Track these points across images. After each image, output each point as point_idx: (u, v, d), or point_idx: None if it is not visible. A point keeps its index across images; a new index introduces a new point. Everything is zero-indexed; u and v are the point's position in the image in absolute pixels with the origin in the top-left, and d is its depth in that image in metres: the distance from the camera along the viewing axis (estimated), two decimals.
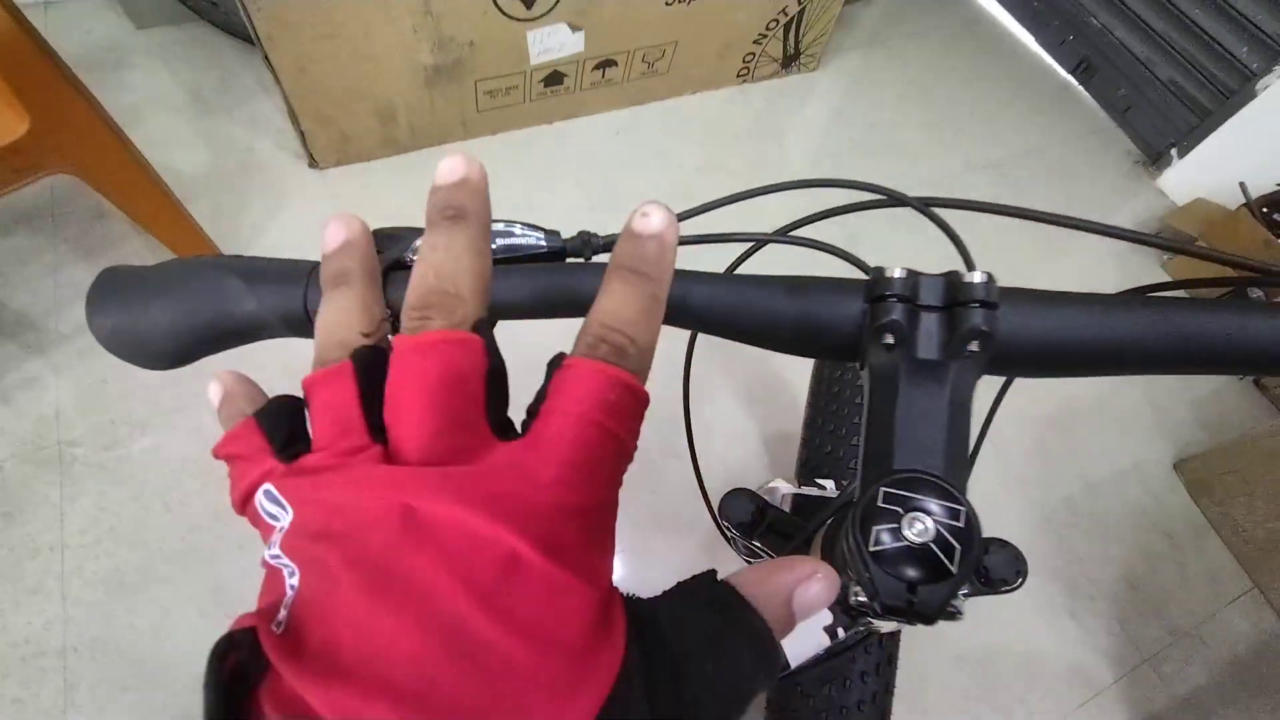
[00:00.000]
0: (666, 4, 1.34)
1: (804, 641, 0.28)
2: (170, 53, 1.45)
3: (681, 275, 0.25)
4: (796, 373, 1.21)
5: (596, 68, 1.41)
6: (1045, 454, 1.25)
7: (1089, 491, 1.23)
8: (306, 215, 1.29)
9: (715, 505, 0.46)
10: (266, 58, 1.11)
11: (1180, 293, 0.27)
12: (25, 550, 0.95)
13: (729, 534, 0.41)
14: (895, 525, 0.19)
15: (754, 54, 1.59)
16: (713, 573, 0.18)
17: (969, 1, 2.03)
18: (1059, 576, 1.13)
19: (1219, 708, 1.05)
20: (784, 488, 0.46)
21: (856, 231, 1.42)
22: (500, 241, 0.26)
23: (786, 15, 1.52)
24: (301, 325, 0.25)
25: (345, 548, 0.15)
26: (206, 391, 0.22)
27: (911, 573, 0.19)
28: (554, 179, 1.43)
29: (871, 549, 0.19)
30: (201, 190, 1.27)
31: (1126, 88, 1.76)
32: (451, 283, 0.19)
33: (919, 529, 0.19)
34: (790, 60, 1.66)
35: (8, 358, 1.07)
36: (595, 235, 0.27)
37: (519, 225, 0.26)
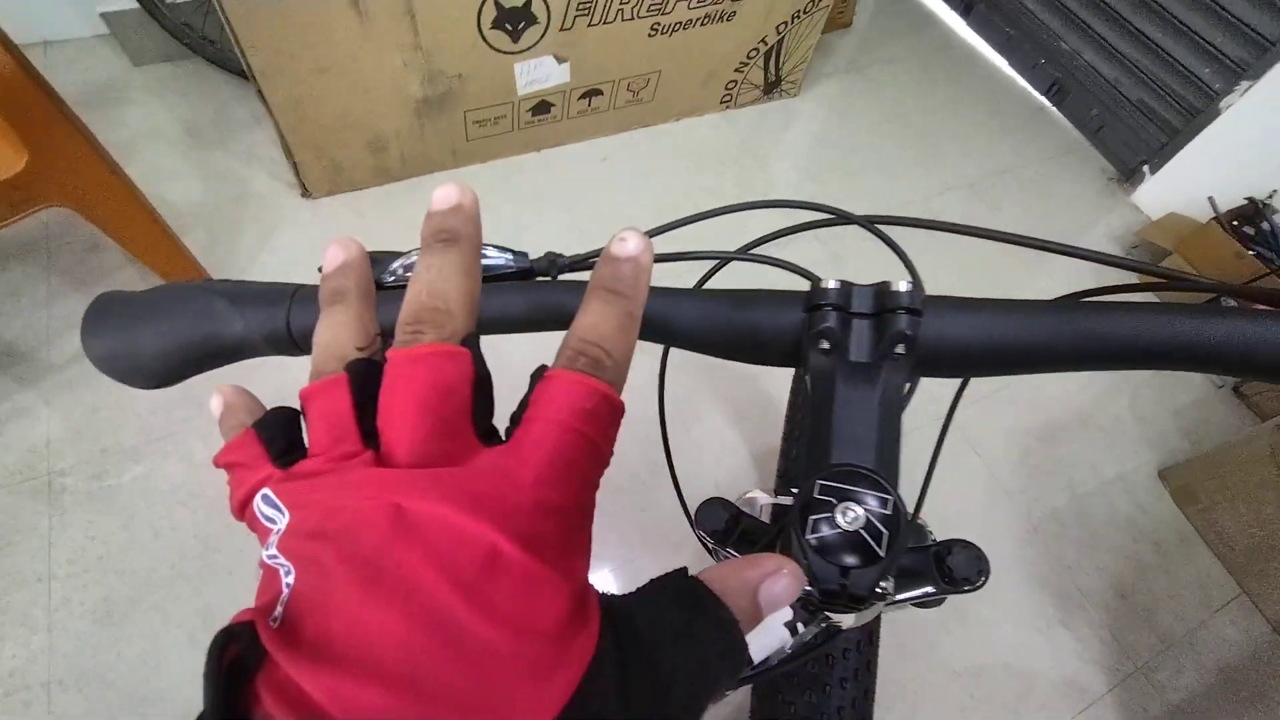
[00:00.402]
0: (650, 35, 1.39)
1: (766, 636, 0.29)
2: (167, 88, 1.49)
3: None
4: (780, 389, 1.23)
5: (583, 97, 1.45)
6: (1032, 466, 1.26)
7: (1076, 502, 1.24)
8: (299, 243, 1.31)
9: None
10: (260, 92, 1.14)
11: (1127, 297, 0.29)
12: (11, 581, 0.94)
13: (705, 543, 0.42)
14: (830, 514, 0.21)
15: (736, 81, 1.63)
16: (683, 570, 0.19)
17: (943, 28, 2.10)
18: (1049, 587, 1.14)
19: (1212, 715, 1.05)
20: (762, 498, 0.47)
21: (838, 251, 1.46)
22: None
23: (766, 44, 1.57)
24: (285, 344, 0.26)
25: (339, 545, 0.16)
26: (206, 408, 0.23)
27: (844, 558, 0.20)
28: (542, 204, 1.46)
29: (808, 536, 0.21)
30: (196, 221, 1.29)
31: (1098, 108, 1.81)
32: (443, 300, 0.20)
33: (850, 517, 0.20)
34: (772, 87, 1.71)
35: None
36: (561, 255, 0.29)
37: (490, 247, 0.28)
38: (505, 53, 1.27)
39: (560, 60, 1.34)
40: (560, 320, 0.27)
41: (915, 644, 1.05)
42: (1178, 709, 1.05)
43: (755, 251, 0.33)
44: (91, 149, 0.96)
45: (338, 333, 0.21)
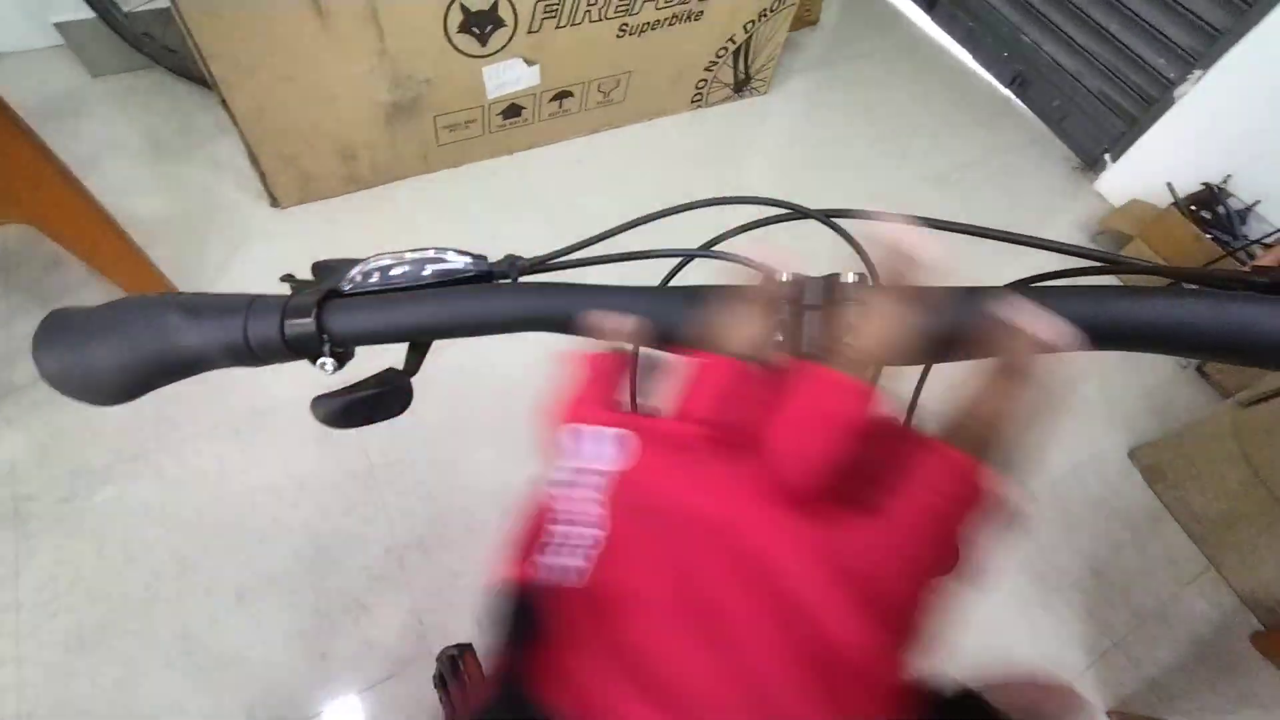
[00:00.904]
0: (618, 36, 1.39)
1: None
2: (128, 100, 1.46)
3: (586, 291, 0.27)
4: None
5: (553, 99, 1.45)
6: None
7: (1050, 485, 1.27)
8: (270, 255, 1.29)
9: None
10: (224, 101, 1.12)
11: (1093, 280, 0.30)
12: None
13: None
14: None
15: (706, 80, 1.64)
16: (975, 695, 0.18)
17: (909, 24, 2.14)
18: (1027, 570, 1.16)
19: (1187, 685, 1.08)
20: None
21: (815, 247, 1.47)
22: (432, 268, 0.28)
23: (734, 43, 1.58)
24: (244, 355, 0.26)
25: (681, 548, 0.15)
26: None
27: None
28: (518, 208, 1.46)
29: None
30: (162, 235, 1.26)
31: (1060, 99, 1.86)
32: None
33: None
34: (741, 85, 1.73)
35: None
36: (520, 258, 0.29)
37: (450, 251, 0.28)
38: (473, 56, 1.26)
39: (529, 63, 1.33)
40: (518, 324, 0.27)
41: None
42: (1154, 682, 1.08)
43: (718, 248, 0.33)
44: (48, 163, 0.93)
45: (758, 326, 0.21)
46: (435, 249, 0.28)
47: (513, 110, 1.42)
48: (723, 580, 0.14)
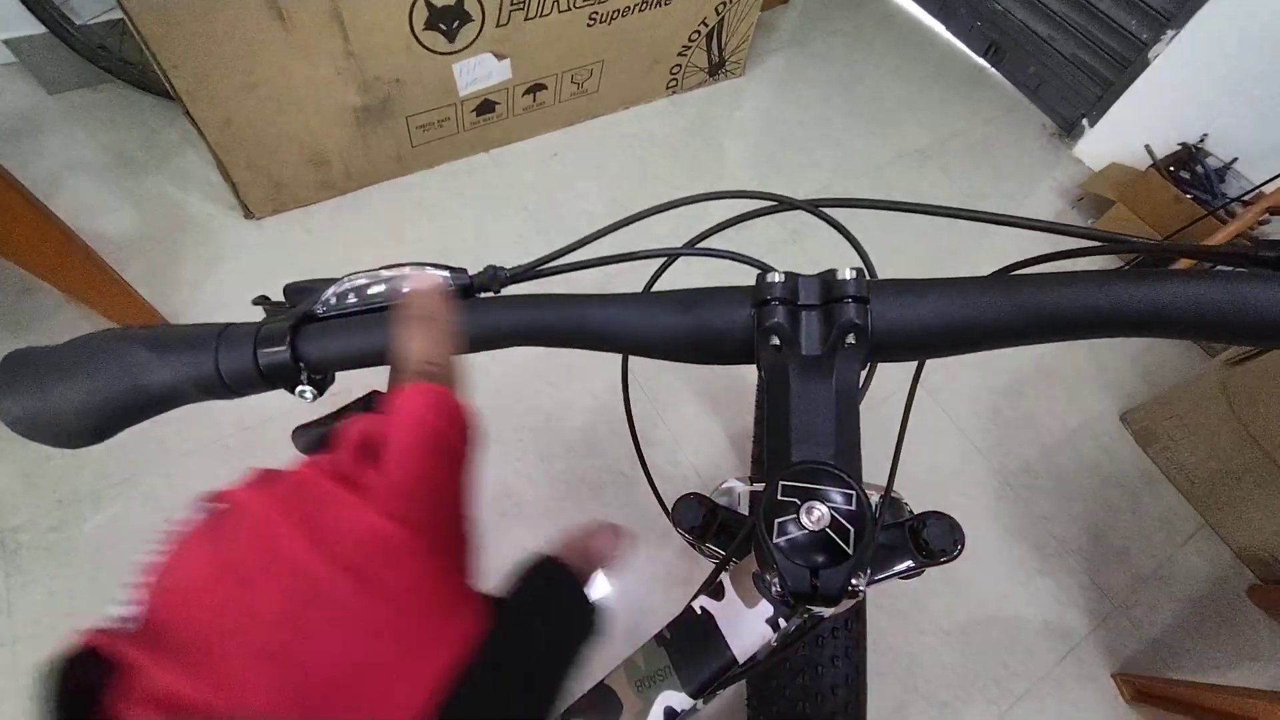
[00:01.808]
0: (588, 25, 1.36)
1: (748, 634, 0.29)
2: (88, 115, 1.41)
3: (579, 300, 0.26)
4: (751, 371, 1.24)
5: (527, 93, 1.43)
6: (1000, 423, 1.30)
7: (1045, 453, 1.28)
8: (246, 268, 1.27)
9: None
10: (188, 113, 1.09)
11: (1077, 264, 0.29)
12: None
13: (685, 539, 0.42)
14: (795, 515, 0.20)
15: (680, 65, 1.62)
16: (543, 554, 0.22)
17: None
18: (1026, 538, 1.17)
19: (1188, 643, 1.10)
20: (739, 487, 0.47)
21: (798, 229, 1.46)
22: (410, 285, 0.27)
23: (707, 26, 1.56)
24: (217, 389, 0.25)
25: (208, 529, 0.17)
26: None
27: (812, 558, 0.20)
28: (498, 205, 1.44)
29: (776, 540, 0.20)
30: (134, 253, 1.23)
31: (1035, 66, 1.85)
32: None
33: (815, 516, 0.20)
34: (716, 68, 1.71)
35: None
36: (502, 269, 0.28)
37: (428, 266, 0.27)
38: (442, 53, 1.23)
39: (500, 57, 1.31)
40: (503, 339, 0.26)
41: (904, 609, 1.07)
42: (1157, 641, 1.10)
43: (705, 244, 0.32)
44: (8, 187, 0.90)
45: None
46: (412, 265, 0.27)
47: (486, 106, 1.40)
48: (264, 529, 0.17)
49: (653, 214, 0.32)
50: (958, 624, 1.08)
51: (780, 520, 0.20)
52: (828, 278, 0.24)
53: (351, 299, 0.26)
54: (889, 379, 0.41)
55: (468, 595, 0.18)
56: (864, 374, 0.25)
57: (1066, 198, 1.72)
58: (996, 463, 1.25)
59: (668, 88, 1.67)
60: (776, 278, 0.24)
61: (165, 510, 1.01)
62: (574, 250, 0.30)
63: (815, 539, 0.20)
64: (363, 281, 0.27)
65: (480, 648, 0.17)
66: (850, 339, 0.23)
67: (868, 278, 0.24)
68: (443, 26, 1.19)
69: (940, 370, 1.32)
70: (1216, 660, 1.09)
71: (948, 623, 1.07)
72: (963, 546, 0.37)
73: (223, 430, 1.07)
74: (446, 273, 0.27)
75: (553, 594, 0.20)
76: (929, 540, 0.37)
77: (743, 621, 0.29)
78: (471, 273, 0.28)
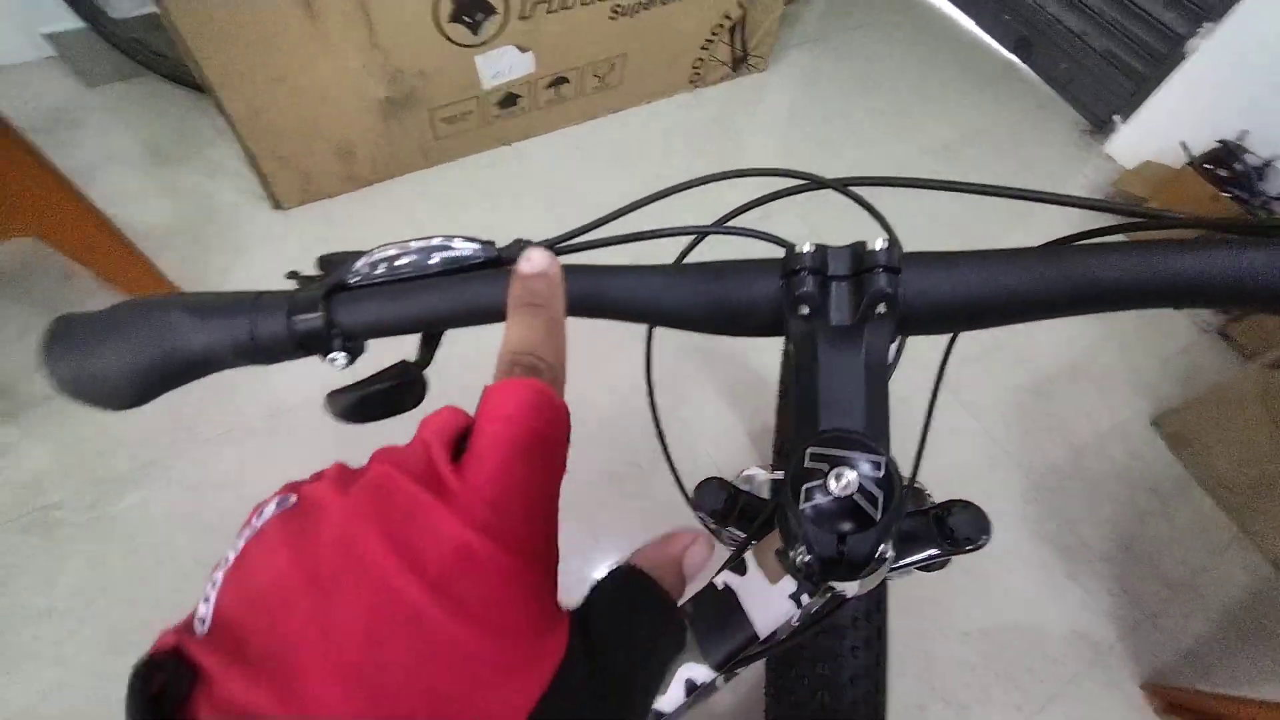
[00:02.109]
0: (611, 18, 1.37)
1: (771, 609, 0.29)
2: (123, 108, 1.45)
3: (611, 271, 0.26)
4: (770, 367, 1.23)
5: (549, 86, 1.43)
6: (1028, 423, 1.27)
7: (1074, 455, 1.25)
8: (274, 256, 1.29)
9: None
10: (219, 105, 1.11)
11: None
12: (17, 618, 0.93)
13: (706, 523, 0.41)
14: (822, 482, 0.20)
15: (703, 59, 1.62)
16: (628, 565, 0.21)
17: None
18: (1053, 541, 1.15)
19: (1221, 655, 1.07)
20: (760, 474, 0.47)
21: (817, 223, 1.45)
22: (439, 255, 0.27)
23: (730, 20, 1.55)
24: (252, 354, 0.26)
25: (289, 538, 0.16)
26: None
27: (840, 524, 0.20)
28: (521, 197, 1.45)
29: (803, 506, 0.20)
30: (166, 241, 1.26)
31: (1066, 61, 1.81)
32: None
33: (843, 483, 0.20)
34: (739, 62, 1.70)
35: None
36: (529, 241, 0.28)
37: (457, 238, 0.27)
38: (466, 46, 1.24)
39: (523, 50, 1.31)
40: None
41: (926, 607, 1.06)
42: (1189, 653, 1.07)
43: (731, 224, 0.32)
44: (50, 176, 0.93)
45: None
46: (442, 237, 0.27)
47: (509, 100, 1.41)
48: (346, 541, 0.16)
49: (678, 191, 0.32)
50: (979, 625, 1.06)
51: (808, 486, 0.20)
52: (858, 249, 0.24)
53: (383, 269, 0.27)
54: (908, 381, 0.40)
55: (556, 613, 0.17)
56: (895, 348, 0.25)
57: (1097, 195, 1.68)
58: (1023, 463, 1.23)
59: (690, 81, 1.66)
60: (806, 248, 0.24)
61: (194, 492, 1.04)
62: (600, 225, 0.30)
63: (843, 506, 0.20)
64: (393, 252, 0.27)
65: (569, 668, 0.16)
66: (880, 308, 0.23)
67: (899, 249, 0.23)
68: (467, 19, 1.20)
69: (965, 368, 1.30)
70: (1251, 674, 1.06)
71: (969, 624, 1.06)
72: (989, 536, 0.37)
73: (251, 416, 1.10)
74: (476, 245, 0.27)
75: (640, 610, 0.19)
76: (954, 528, 0.36)
77: (765, 597, 0.28)
78: (499, 245, 0.28)
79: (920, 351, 0.44)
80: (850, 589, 0.26)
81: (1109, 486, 1.22)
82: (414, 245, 0.27)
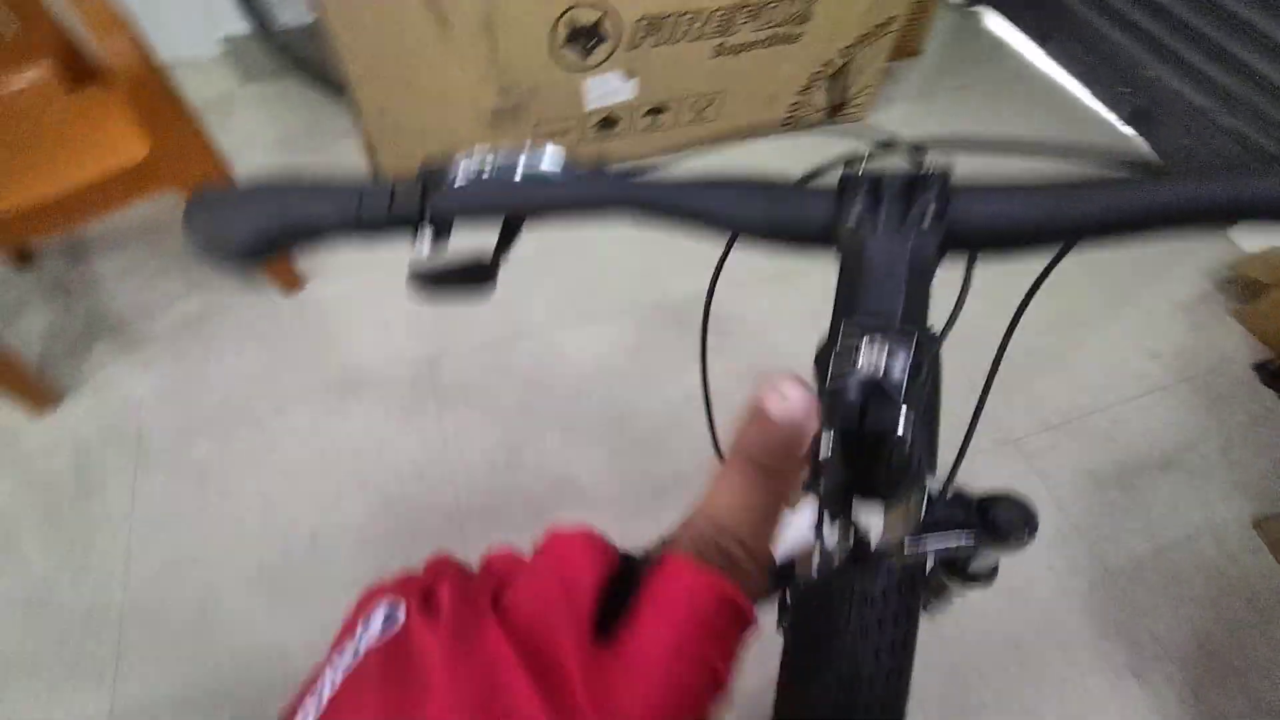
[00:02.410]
0: (713, 55, 1.43)
1: (788, 533, 0.29)
2: (268, 103, 1.65)
3: (678, 183, 0.28)
4: (805, 350, 1.21)
5: (648, 114, 1.51)
6: (1108, 509, 1.17)
7: (1156, 547, 1.14)
8: (384, 249, 1.40)
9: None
10: (354, 99, 1.24)
11: None
12: (98, 520, 1.04)
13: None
14: (852, 353, 0.21)
15: (800, 103, 1.65)
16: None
17: (1017, 57, 2.06)
18: (1121, 633, 1.04)
19: None
20: None
21: None
22: (525, 158, 0.31)
23: (831, 68, 1.59)
24: (355, 225, 0.30)
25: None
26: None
27: (865, 395, 0.21)
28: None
29: (831, 376, 0.21)
30: None
31: (1189, 138, 1.72)
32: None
33: (874, 357, 0.21)
34: (837, 110, 1.72)
35: (105, 354, 1.20)
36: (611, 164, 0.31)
37: (549, 145, 0.31)
38: (576, 69, 1.33)
39: (628, 77, 1.40)
40: (610, 208, 0.28)
41: (973, 684, 0.98)
42: None
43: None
44: (205, 142, 1.07)
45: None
46: (532, 143, 0.31)
47: (608, 122, 1.49)
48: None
49: (745, 138, 0.34)
50: (1033, 710, 0.97)
51: (837, 356, 0.21)
52: (911, 171, 0.25)
53: (475, 165, 0.31)
54: (952, 393, 0.39)
55: None
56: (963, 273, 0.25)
57: (1212, 279, 1.56)
58: (1095, 545, 1.13)
59: (784, 124, 1.70)
60: (861, 169, 0.26)
61: (269, 438, 1.13)
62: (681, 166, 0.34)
63: (867, 378, 0.21)
64: (489, 154, 0.31)
65: None
66: (928, 219, 0.24)
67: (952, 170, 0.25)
68: (581, 44, 1.29)
69: (1043, 436, 1.22)
70: None
71: (1023, 713, 0.97)
72: (1033, 535, 0.35)
73: (329, 379, 1.19)
74: (562, 160, 0.30)
75: None
76: (998, 520, 0.35)
77: (783, 519, 0.28)
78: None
79: (966, 357, 0.43)
80: (874, 526, 0.26)
81: (1194, 585, 1.10)
82: (505, 148, 0.31)
